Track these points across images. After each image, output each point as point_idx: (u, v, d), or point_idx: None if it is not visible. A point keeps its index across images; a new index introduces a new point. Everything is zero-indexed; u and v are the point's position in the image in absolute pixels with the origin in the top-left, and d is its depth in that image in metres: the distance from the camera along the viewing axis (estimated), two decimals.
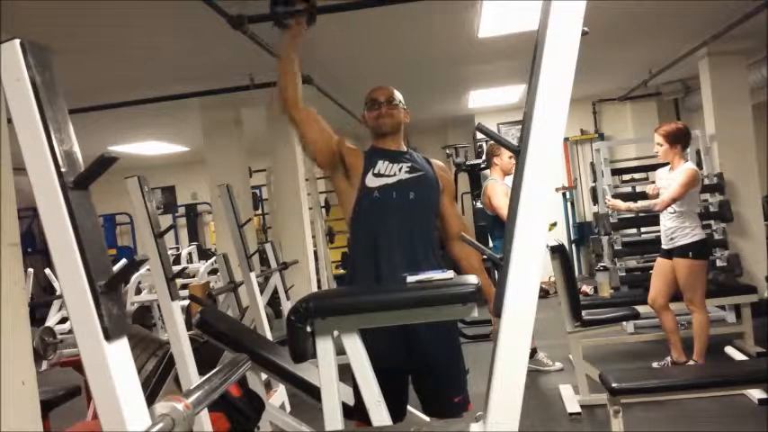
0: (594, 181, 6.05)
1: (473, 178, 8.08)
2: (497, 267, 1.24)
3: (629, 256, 5.35)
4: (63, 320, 5.90)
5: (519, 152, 1.18)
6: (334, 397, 1.46)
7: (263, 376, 2.99)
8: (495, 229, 4.26)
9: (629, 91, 7.14)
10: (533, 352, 4.36)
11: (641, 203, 4.49)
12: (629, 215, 4.91)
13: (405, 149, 2.27)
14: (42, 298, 7.37)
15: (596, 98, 7.89)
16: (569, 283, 3.60)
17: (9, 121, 0.89)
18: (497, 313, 1.18)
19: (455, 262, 2.26)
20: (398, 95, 2.24)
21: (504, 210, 3.91)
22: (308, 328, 1.46)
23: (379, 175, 2.14)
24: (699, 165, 5.28)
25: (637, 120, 7.79)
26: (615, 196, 5.11)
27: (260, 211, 9.20)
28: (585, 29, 1.13)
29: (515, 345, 1.16)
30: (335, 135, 2.19)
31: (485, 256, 1.89)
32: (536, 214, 1.15)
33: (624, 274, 5.18)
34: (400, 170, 2.16)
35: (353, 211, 2.17)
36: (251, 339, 2.78)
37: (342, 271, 7.42)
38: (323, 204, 7.41)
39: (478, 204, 8.10)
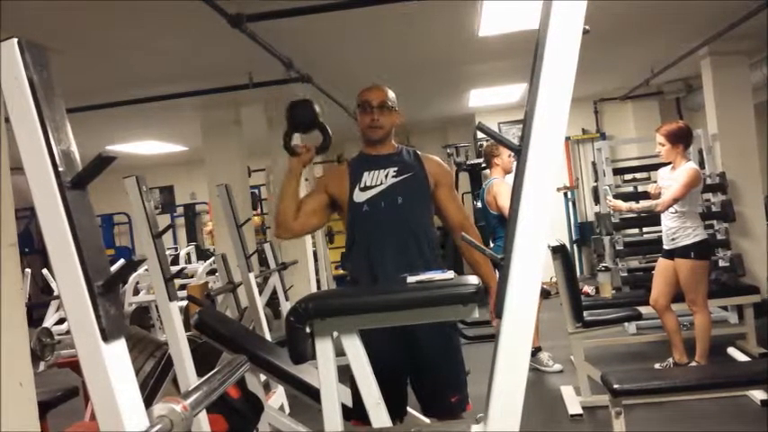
0: (596, 180, 6.04)
1: (473, 178, 8.07)
2: (498, 267, 1.23)
3: (630, 256, 5.34)
4: (61, 321, 5.88)
5: (520, 152, 1.17)
6: (333, 398, 1.45)
7: (262, 377, 2.99)
8: (499, 228, 4.25)
9: (630, 90, 7.13)
10: (536, 350, 4.36)
11: (643, 204, 4.48)
12: (630, 215, 4.90)
13: (394, 150, 2.25)
14: (40, 298, 7.37)
15: (598, 97, 7.89)
16: (571, 284, 3.59)
17: (6, 120, 0.89)
18: (498, 314, 1.17)
19: (461, 253, 2.26)
20: (391, 96, 2.21)
21: None
22: (308, 329, 1.45)
23: (365, 188, 2.16)
24: (701, 164, 5.26)
25: (638, 119, 7.78)
26: (617, 196, 5.10)
27: (259, 211, 9.19)
28: (587, 27, 1.12)
29: (516, 345, 1.15)
30: (319, 188, 2.27)
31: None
32: (537, 214, 1.14)
33: (626, 274, 5.17)
34: (387, 176, 2.16)
35: (348, 228, 2.19)
36: (250, 340, 2.77)
37: (341, 271, 7.41)
38: None
39: (479, 204, 8.10)
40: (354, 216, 2.16)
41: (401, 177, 2.16)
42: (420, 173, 2.20)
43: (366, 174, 2.17)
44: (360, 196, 2.15)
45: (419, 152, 2.28)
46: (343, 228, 2.26)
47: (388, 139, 2.24)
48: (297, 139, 2.24)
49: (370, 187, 2.15)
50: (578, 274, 7.75)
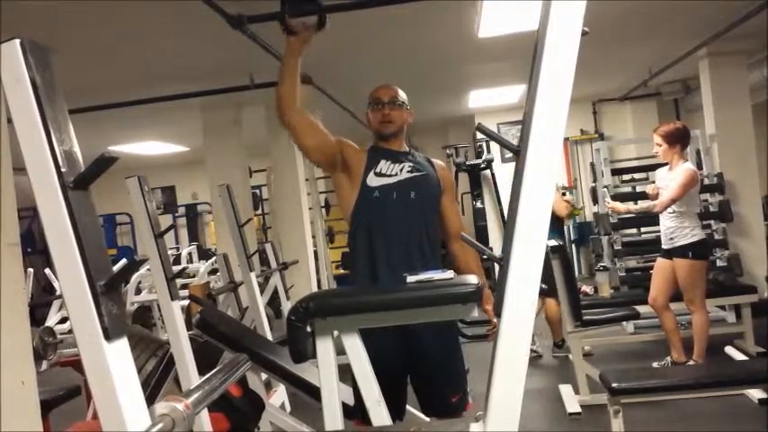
0: (594, 181, 6.05)
1: (473, 178, 8.07)
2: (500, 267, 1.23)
3: (628, 256, 5.35)
4: (63, 320, 5.89)
5: (519, 152, 1.18)
6: (333, 397, 1.46)
7: (263, 376, 2.99)
8: None
9: (629, 91, 7.13)
10: (562, 342, 4.45)
11: (641, 205, 4.49)
12: (629, 216, 4.91)
13: (407, 149, 2.27)
14: (42, 298, 7.35)
15: (596, 98, 7.89)
16: (569, 284, 3.60)
17: (9, 120, 0.89)
18: (497, 313, 1.18)
19: (453, 260, 2.26)
20: (402, 95, 2.23)
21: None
22: (308, 328, 1.46)
23: (380, 174, 2.14)
24: (699, 165, 5.27)
25: (637, 120, 7.78)
26: (615, 196, 5.11)
27: (260, 211, 9.20)
28: (585, 29, 1.13)
29: (515, 345, 1.16)
30: (332, 136, 2.19)
31: (484, 256, 1.89)
32: (536, 214, 1.14)
33: (624, 274, 5.18)
34: (402, 170, 2.16)
35: (353, 211, 2.17)
36: (251, 339, 2.78)
37: (342, 271, 7.42)
38: (323, 204, 7.41)
39: (479, 204, 8.11)
40: (364, 199, 2.14)
41: (416, 174, 2.17)
42: (433, 175, 2.23)
43: (383, 161, 2.16)
44: (373, 181, 2.14)
45: (428, 157, 2.31)
46: (343, 228, 2.26)
47: (400, 137, 2.24)
48: (293, 19, 2.13)
49: (385, 175, 2.14)
50: (577, 273, 7.76)
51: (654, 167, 4.56)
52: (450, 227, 2.27)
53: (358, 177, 2.15)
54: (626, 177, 6.75)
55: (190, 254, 8.42)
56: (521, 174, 1.15)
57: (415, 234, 2.14)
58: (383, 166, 2.15)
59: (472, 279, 1.46)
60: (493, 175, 7.98)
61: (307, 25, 2.12)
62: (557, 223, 4.68)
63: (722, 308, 4.99)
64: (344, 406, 1.57)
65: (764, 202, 5.82)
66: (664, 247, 3.83)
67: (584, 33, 1.13)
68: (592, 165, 6.62)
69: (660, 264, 3.89)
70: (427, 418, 2.23)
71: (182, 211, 10.33)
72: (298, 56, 2.11)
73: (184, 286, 5.67)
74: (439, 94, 6.73)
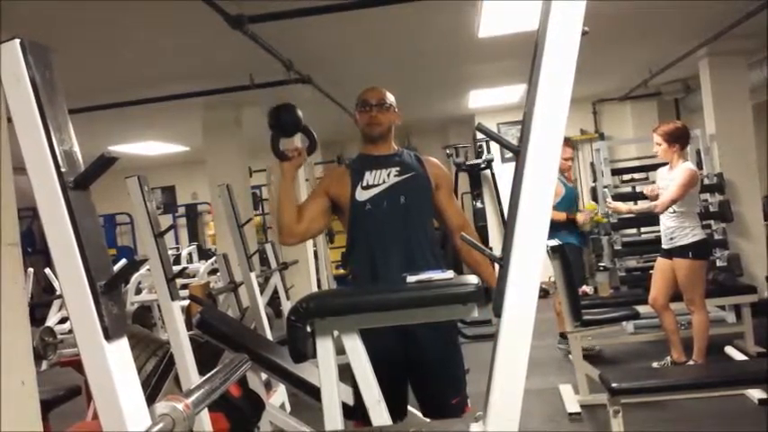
0: (595, 181, 6.05)
1: (473, 178, 8.07)
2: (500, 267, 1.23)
3: (628, 256, 5.35)
4: (63, 320, 5.89)
5: (519, 152, 1.18)
6: (333, 397, 1.46)
7: (263, 376, 2.99)
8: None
9: (629, 91, 7.12)
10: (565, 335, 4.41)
11: (642, 205, 4.49)
12: (629, 216, 4.92)
13: (394, 151, 2.26)
14: (42, 298, 7.36)
15: (596, 98, 7.88)
16: (569, 284, 3.60)
17: (9, 120, 0.89)
18: (497, 313, 1.18)
19: (459, 255, 2.26)
20: (390, 97, 2.23)
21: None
22: (308, 328, 1.46)
23: (367, 186, 2.15)
24: (699, 164, 5.27)
25: (637, 119, 7.78)
26: (615, 197, 5.11)
27: (260, 211, 9.20)
28: (586, 28, 1.13)
29: (515, 344, 1.16)
30: (319, 191, 2.27)
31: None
32: (536, 214, 1.14)
33: (624, 274, 5.18)
34: (389, 175, 2.16)
35: (349, 229, 2.19)
36: (251, 339, 2.78)
37: (342, 271, 7.42)
38: None
39: (479, 204, 8.11)
40: (356, 215, 2.15)
41: (403, 177, 2.16)
42: (421, 173, 2.21)
43: (368, 173, 2.16)
44: (362, 195, 2.14)
45: (419, 155, 2.30)
46: (343, 228, 2.26)
47: (387, 139, 2.24)
48: (286, 143, 2.27)
49: (373, 186, 2.14)
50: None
51: (654, 167, 4.56)
52: (450, 223, 2.26)
53: (347, 199, 2.17)
54: (626, 177, 6.74)
55: (190, 254, 8.41)
56: (521, 174, 1.15)
57: (412, 238, 2.13)
58: (368, 177, 2.16)
59: (472, 279, 1.45)
60: (493, 175, 7.97)
61: (300, 150, 2.26)
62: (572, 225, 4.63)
63: (722, 308, 4.99)
64: (344, 406, 1.57)
65: (764, 202, 5.81)
66: (664, 246, 3.83)
67: (584, 33, 1.13)
68: (592, 165, 6.62)
69: (660, 264, 3.89)
70: (427, 419, 2.23)
71: (182, 210, 10.33)
72: (294, 179, 2.24)
73: (184, 286, 5.67)
74: (439, 93, 6.73)
